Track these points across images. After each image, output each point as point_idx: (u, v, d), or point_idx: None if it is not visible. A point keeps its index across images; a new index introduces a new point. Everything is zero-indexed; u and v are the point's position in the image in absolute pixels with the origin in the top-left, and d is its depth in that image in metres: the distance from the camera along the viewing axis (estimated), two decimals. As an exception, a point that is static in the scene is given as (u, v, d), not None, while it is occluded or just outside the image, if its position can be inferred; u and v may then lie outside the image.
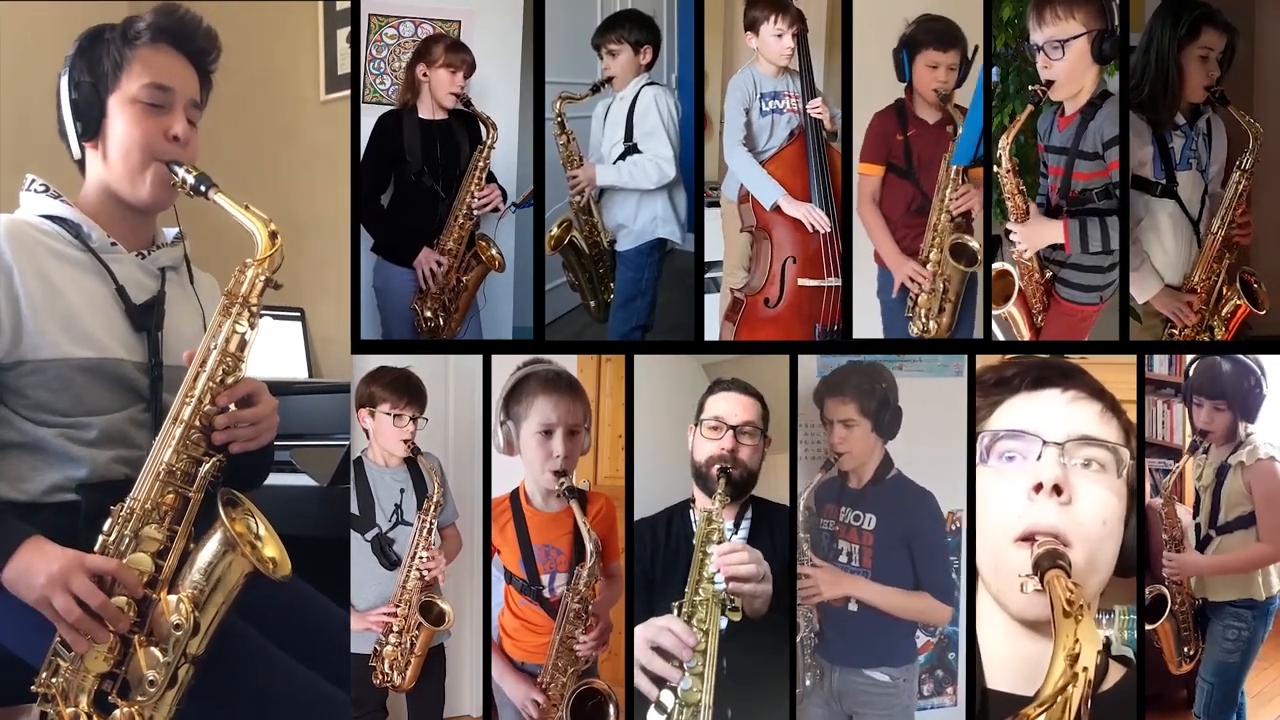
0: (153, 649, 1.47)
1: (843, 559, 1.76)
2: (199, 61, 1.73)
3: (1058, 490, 1.39)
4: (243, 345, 1.56)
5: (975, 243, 1.86)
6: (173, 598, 1.48)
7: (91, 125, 1.67)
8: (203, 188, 1.61)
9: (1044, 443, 1.42)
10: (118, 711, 1.47)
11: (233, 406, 1.56)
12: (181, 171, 1.62)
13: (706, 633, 1.56)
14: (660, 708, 1.54)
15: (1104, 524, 1.41)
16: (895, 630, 1.76)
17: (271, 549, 1.53)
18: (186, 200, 1.67)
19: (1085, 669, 1.26)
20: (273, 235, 1.57)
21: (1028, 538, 1.40)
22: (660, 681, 1.55)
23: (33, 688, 1.47)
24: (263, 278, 1.57)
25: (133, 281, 1.69)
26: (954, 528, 1.77)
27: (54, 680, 1.47)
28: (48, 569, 1.44)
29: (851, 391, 1.75)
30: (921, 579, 1.75)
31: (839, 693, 1.75)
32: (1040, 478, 1.40)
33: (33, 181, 1.71)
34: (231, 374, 1.56)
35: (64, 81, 1.68)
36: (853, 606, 1.75)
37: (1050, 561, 1.35)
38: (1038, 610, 1.37)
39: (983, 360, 1.71)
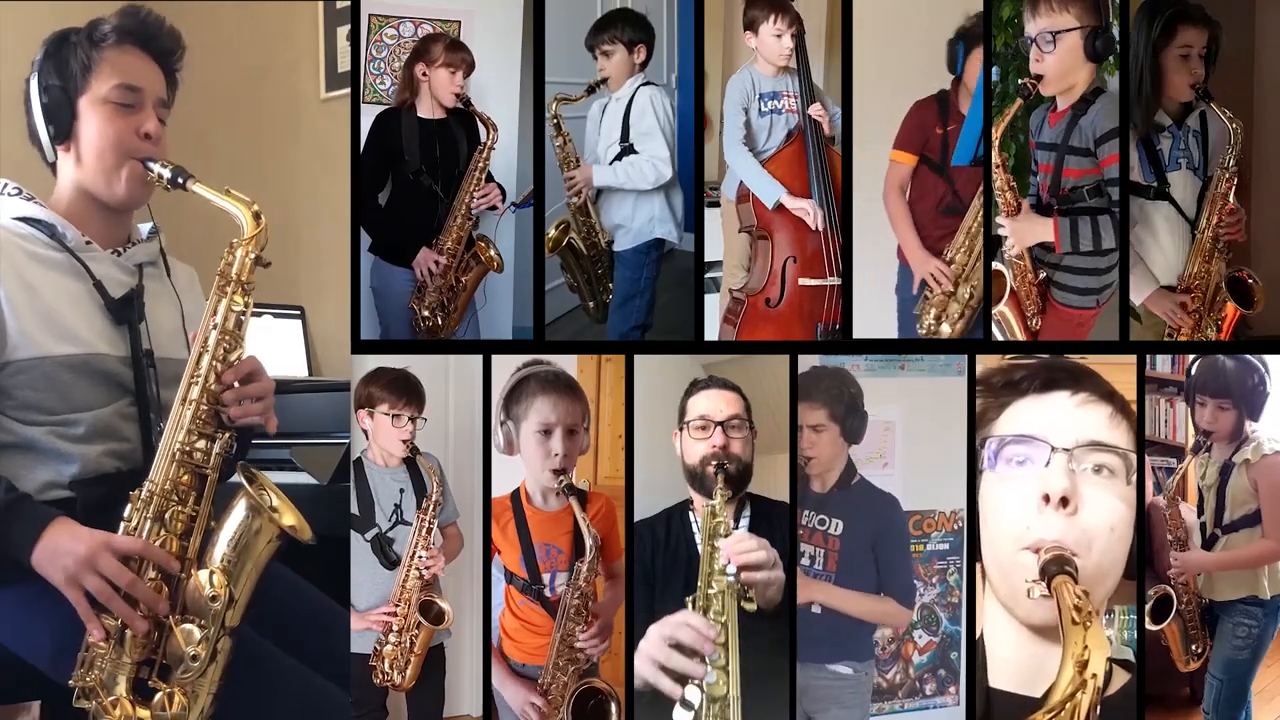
0: (188, 625, 1.48)
1: (805, 562, 1.76)
2: (164, 61, 1.75)
3: (1064, 502, 1.38)
4: (240, 323, 1.59)
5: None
6: (204, 572, 1.50)
7: (63, 128, 1.69)
8: (180, 180, 1.62)
9: (1052, 449, 1.41)
10: (159, 695, 1.48)
11: (236, 384, 1.58)
12: (157, 167, 1.64)
13: (725, 625, 1.53)
14: (686, 705, 1.48)
15: (1112, 530, 1.39)
16: (856, 626, 1.77)
17: (290, 517, 1.56)
18: (167, 197, 1.69)
19: (1094, 676, 1.25)
20: (256, 216, 1.59)
21: (1036, 549, 1.39)
22: (682, 679, 1.49)
23: (70, 683, 1.48)
24: (251, 256, 1.59)
25: (109, 278, 1.70)
26: (956, 527, 1.77)
27: (90, 675, 1.48)
28: (75, 551, 1.45)
29: (821, 397, 1.75)
30: (884, 583, 1.77)
31: (799, 691, 1.75)
32: (1047, 488, 1.39)
33: (5, 185, 1.72)
34: (233, 351, 1.58)
35: (33, 85, 1.70)
36: (816, 609, 1.76)
37: (1057, 567, 1.33)
38: (1045, 615, 1.35)
39: (990, 362, 1.71)
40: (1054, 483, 1.38)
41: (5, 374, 1.61)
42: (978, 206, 1.85)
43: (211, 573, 1.50)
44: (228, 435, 1.57)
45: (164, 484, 1.52)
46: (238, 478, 1.56)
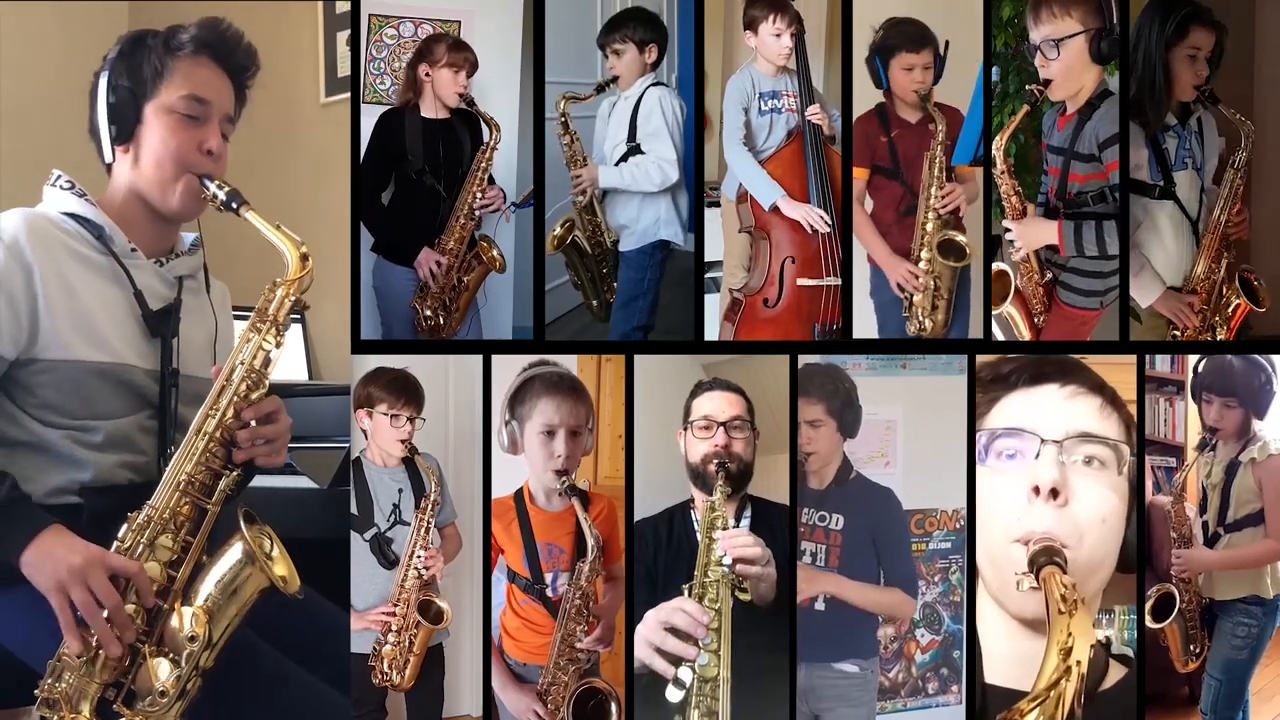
0: (162, 660, 1.46)
1: (806, 559, 1.77)
2: (237, 77, 1.72)
3: (1054, 494, 1.39)
4: (267, 362, 1.57)
5: (963, 238, 1.86)
6: (187, 610, 1.47)
7: (126, 130, 1.66)
8: (234, 204, 1.60)
9: (1042, 441, 1.41)
10: None
11: (253, 423, 1.56)
12: (213, 187, 1.62)
13: (719, 612, 1.57)
14: (679, 683, 1.53)
15: (1103, 522, 1.41)
16: (860, 624, 1.78)
17: (282, 567, 1.53)
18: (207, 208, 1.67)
19: (1078, 662, 1.26)
20: (304, 257, 1.57)
21: (1026, 541, 1.40)
22: (676, 661, 1.55)
23: (35, 692, 1.46)
24: (291, 298, 1.57)
25: (150, 289, 1.68)
26: (958, 526, 1.77)
27: (58, 686, 1.46)
28: (69, 560, 1.43)
29: (817, 392, 1.76)
30: (887, 575, 1.78)
31: (805, 691, 1.76)
32: (1037, 480, 1.40)
33: (59, 177, 1.69)
34: (255, 389, 1.56)
35: (102, 83, 1.67)
36: (820, 605, 1.76)
37: (1046, 558, 1.35)
38: (1036, 608, 1.37)
39: (981, 358, 1.71)
40: (1044, 474, 1.39)
41: (31, 370, 1.59)
42: (924, 199, 1.86)
43: (194, 612, 1.47)
44: (234, 473, 1.54)
45: (163, 511, 1.49)
46: (239, 520, 1.52)
